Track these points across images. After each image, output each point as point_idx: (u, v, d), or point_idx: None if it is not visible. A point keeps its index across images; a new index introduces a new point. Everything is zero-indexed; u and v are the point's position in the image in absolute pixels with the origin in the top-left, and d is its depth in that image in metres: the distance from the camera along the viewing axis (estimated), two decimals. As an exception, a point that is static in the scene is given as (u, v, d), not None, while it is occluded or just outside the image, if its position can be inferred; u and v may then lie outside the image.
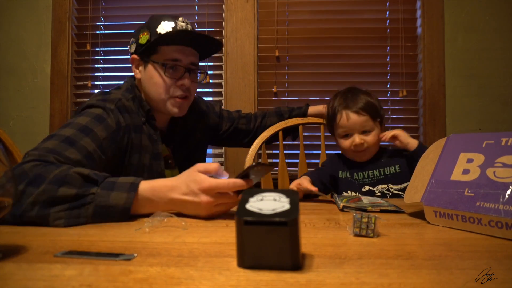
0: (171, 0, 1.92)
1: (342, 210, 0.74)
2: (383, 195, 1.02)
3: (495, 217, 0.50)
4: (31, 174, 0.62)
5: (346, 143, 1.04)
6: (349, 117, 1.01)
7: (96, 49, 1.92)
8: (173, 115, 0.99)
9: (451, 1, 1.77)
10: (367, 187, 1.04)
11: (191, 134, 1.12)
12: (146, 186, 0.66)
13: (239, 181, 0.64)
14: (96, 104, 0.87)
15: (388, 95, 1.83)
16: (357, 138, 1.01)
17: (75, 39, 1.92)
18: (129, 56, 0.99)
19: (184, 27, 0.95)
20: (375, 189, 1.03)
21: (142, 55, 0.95)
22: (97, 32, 1.92)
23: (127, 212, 0.62)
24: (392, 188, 1.01)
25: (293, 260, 0.37)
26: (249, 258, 0.37)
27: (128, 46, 1.00)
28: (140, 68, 0.97)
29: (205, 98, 1.94)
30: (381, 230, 0.54)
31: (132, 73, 1.01)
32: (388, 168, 1.03)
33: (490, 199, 0.52)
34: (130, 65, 1.00)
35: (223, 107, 1.86)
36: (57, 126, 1.87)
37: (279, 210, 0.37)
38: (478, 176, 0.57)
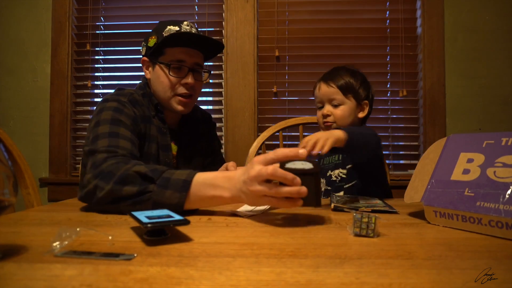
0: (171, 0, 1.92)
1: (333, 210, 0.74)
2: (341, 180, 1.03)
3: (495, 217, 0.50)
4: (106, 170, 0.73)
5: (318, 114, 1.08)
6: (320, 88, 1.06)
7: (96, 49, 1.92)
8: (178, 112, 1.04)
9: (451, 1, 1.77)
10: (329, 172, 1.06)
11: (197, 140, 1.15)
12: (200, 179, 0.68)
13: (285, 174, 0.59)
14: (111, 98, 0.94)
15: (388, 95, 1.83)
16: (325, 109, 1.04)
17: (75, 39, 1.92)
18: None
19: (188, 30, 1.00)
20: (332, 173, 1.05)
21: (151, 57, 1.03)
22: (97, 32, 1.92)
23: (181, 208, 0.68)
24: (341, 172, 1.03)
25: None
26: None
27: (141, 50, 1.09)
28: (150, 69, 1.05)
29: (204, 98, 1.93)
30: (381, 230, 0.54)
31: (142, 73, 1.09)
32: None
33: (490, 199, 0.52)
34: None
35: (223, 107, 1.86)
36: (57, 126, 1.87)
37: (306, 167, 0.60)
38: (478, 176, 0.57)
